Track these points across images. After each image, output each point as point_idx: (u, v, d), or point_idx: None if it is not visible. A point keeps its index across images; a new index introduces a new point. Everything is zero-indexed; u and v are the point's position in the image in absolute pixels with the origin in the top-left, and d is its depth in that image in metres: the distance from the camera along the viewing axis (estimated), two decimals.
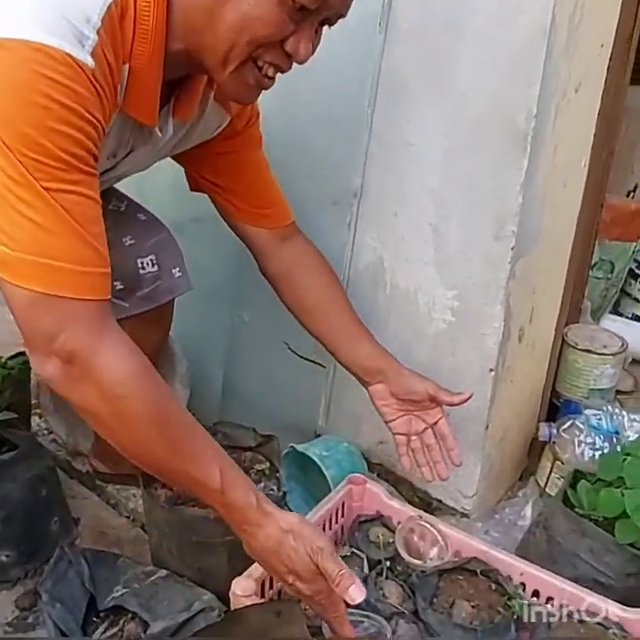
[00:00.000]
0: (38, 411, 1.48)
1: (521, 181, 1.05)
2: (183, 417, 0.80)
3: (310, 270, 1.13)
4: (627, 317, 2.08)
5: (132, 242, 1.10)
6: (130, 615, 0.95)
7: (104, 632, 0.95)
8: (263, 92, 0.84)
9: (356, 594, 0.77)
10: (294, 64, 0.79)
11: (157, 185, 1.49)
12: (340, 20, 0.79)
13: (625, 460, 1.03)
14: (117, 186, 1.14)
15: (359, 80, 1.16)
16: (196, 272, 1.49)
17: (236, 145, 1.05)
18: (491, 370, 1.17)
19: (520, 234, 1.09)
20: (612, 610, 0.95)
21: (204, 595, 0.96)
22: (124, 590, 0.97)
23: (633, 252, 1.89)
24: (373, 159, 1.20)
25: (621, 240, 1.84)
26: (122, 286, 1.08)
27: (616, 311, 2.13)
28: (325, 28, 0.80)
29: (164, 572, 1.00)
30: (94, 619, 0.96)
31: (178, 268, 1.16)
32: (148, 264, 1.12)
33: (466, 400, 1.08)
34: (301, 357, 1.36)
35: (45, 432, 1.44)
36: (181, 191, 1.46)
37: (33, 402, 1.43)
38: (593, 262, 1.81)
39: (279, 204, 1.12)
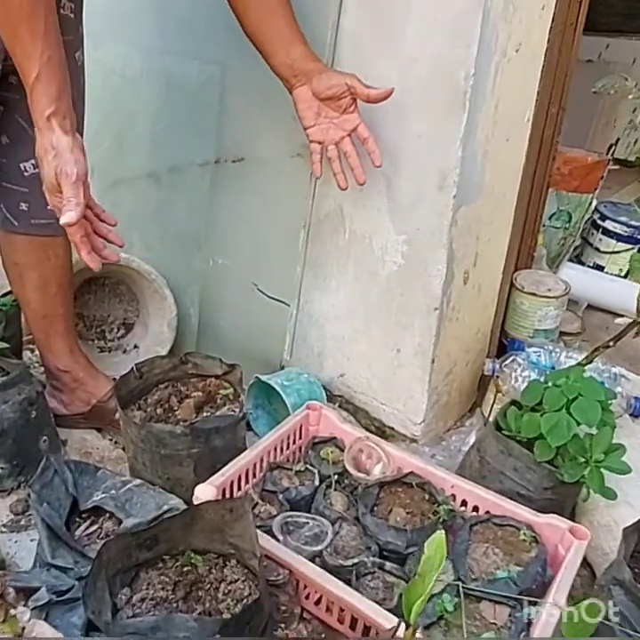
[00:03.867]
0: (31, 346, 1.61)
1: (460, 136, 1.15)
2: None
3: None
4: (588, 266, 2.20)
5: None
6: (107, 515, 1.10)
7: (86, 529, 1.10)
8: None
9: (66, 217, 0.93)
10: None
11: (136, 137, 1.59)
12: None
13: (546, 388, 1.16)
14: None
15: (319, 41, 1.24)
16: (174, 219, 1.61)
17: None
18: (435, 308, 1.29)
19: (461, 184, 1.20)
20: (525, 515, 1.10)
21: (171, 499, 1.10)
22: (103, 495, 1.11)
23: (589, 204, 1.99)
24: None
25: (579, 192, 1.94)
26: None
27: (579, 260, 2.24)
28: None
29: (138, 481, 1.14)
30: (77, 519, 1.11)
31: None
32: None
33: (385, 94, 1.10)
34: (269, 297, 1.48)
35: (36, 365, 1.58)
36: (158, 143, 1.57)
37: (24, 338, 1.56)
38: (551, 213, 1.92)
39: None
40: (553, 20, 1.26)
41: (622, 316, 2.08)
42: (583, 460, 1.12)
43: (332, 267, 1.41)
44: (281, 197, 1.41)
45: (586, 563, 1.20)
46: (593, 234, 2.18)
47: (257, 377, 1.39)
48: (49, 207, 1.15)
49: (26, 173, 1.21)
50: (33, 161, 1.18)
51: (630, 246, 2.11)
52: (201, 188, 1.50)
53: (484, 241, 1.35)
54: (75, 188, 0.94)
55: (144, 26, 1.51)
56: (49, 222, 1.24)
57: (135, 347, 1.64)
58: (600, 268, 2.18)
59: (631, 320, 2.12)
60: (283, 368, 1.52)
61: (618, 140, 3.56)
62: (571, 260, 2.13)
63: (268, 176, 1.40)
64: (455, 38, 1.11)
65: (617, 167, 3.49)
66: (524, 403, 1.20)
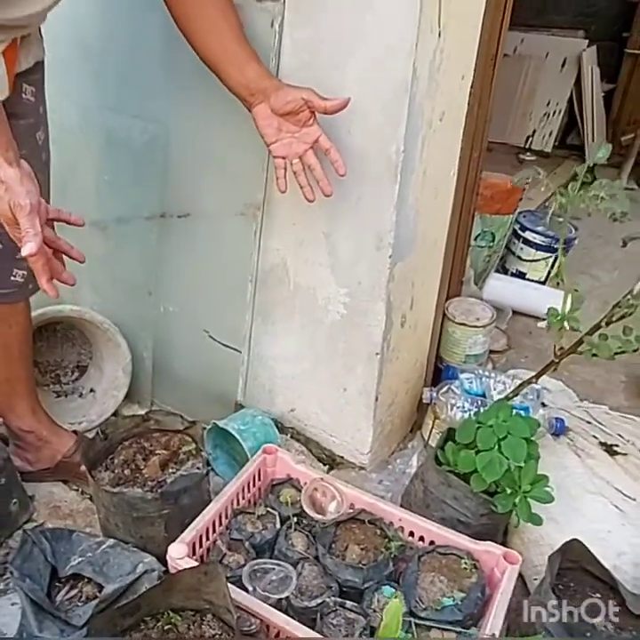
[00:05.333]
0: None
1: (394, 203, 1.25)
2: None
3: None
4: (512, 273, 2.36)
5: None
6: (86, 579, 1.18)
7: (66, 594, 1.18)
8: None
9: (27, 249, 0.92)
10: None
11: (81, 185, 1.61)
12: None
13: (478, 428, 1.30)
14: None
15: None
16: (123, 268, 1.65)
17: None
18: (377, 353, 1.40)
19: (396, 245, 1.30)
20: (465, 543, 1.25)
21: (145, 558, 1.19)
22: (80, 559, 1.19)
23: (510, 224, 2.14)
24: (274, 177, 1.37)
25: (500, 214, 2.08)
26: None
27: (503, 267, 2.41)
28: None
29: (112, 541, 1.23)
30: (57, 584, 1.19)
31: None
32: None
33: (340, 105, 1.12)
34: (220, 343, 1.56)
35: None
36: (103, 194, 1.60)
37: None
38: (476, 234, 2.06)
39: None
40: (471, 86, 1.36)
41: (544, 319, 2.26)
42: (513, 490, 1.27)
43: (279, 315, 1.49)
44: (227, 252, 1.48)
45: (519, 574, 1.36)
46: (514, 243, 2.34)
47: (214, 423, 1.48)
48: (11, 277, 1.17)
49: None
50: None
51: (548, 255, 2.28)
52: (148, 240, 1.54)
53: (419, 285, 1.47)
54: (31, 218, 0.93)
55: (81, 80, 1.51)
56: (10, 291, 1.25)
57: (91, 391, 1.69)
58: (522, 274, 2.35)
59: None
60: (238, 405, 1.61)
61: (534, 131, 3.74)
62: (496, 271, 2.28)
63: (213, 232, 1.47)
64: (385, 120, 1.19)
65: (534, 158, 3.68)
66: (459, 440, 1.33)
